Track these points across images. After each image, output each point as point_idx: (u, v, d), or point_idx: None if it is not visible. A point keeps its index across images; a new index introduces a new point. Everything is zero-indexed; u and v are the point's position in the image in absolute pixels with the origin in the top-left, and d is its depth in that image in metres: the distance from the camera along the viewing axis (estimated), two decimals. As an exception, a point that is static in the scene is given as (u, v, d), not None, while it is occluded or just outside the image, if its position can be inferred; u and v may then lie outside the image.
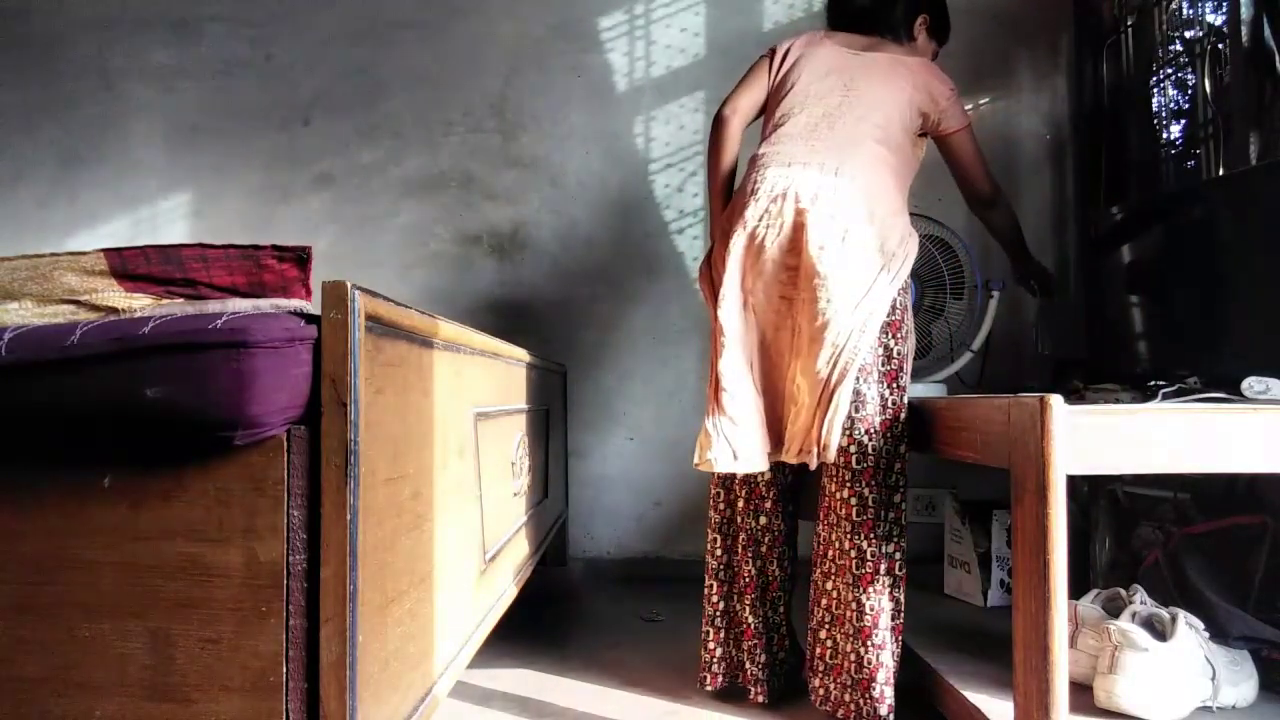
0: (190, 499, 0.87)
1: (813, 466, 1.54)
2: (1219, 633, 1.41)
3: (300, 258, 0.95)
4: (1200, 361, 1.49)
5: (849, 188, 1.58)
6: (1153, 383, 1.37)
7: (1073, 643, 1.34)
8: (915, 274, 2.17)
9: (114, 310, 0.96)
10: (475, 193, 2.85)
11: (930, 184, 2.74)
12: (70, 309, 0.97)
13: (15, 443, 0.89)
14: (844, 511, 1.53)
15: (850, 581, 1.51)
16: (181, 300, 0.97)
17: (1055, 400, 1.06)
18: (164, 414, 0.83)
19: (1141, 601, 1.37)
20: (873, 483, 1.52)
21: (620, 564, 2.75)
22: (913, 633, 1.66)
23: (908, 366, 1.62)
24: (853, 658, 1.50)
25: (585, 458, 2.77)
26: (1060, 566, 1.05)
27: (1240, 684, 1.32)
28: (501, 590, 1.56)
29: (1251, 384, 1.27)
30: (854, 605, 1.50)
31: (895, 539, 1.54)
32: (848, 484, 1.53)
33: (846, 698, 1.51)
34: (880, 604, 1.50)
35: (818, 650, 1.58)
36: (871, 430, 1.53)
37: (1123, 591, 1.41)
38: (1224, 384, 1.28)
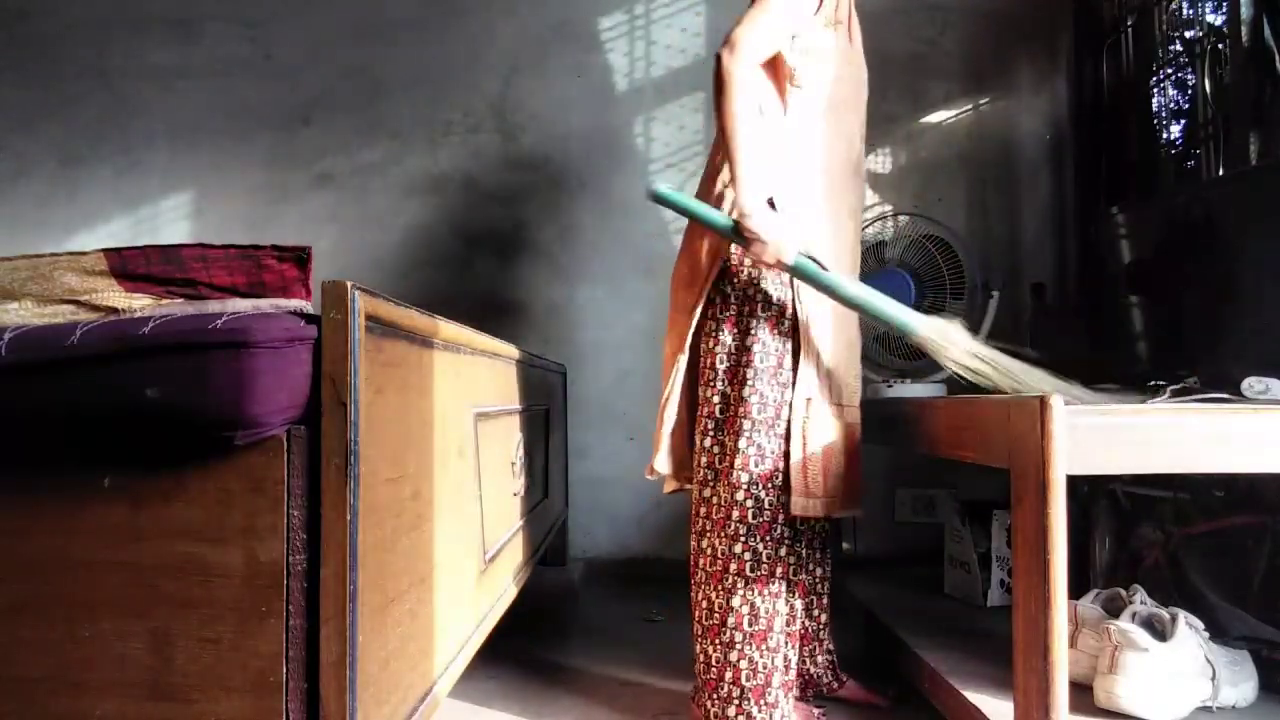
0: (190, 499, 0.87)
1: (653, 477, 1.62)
2: (1219, 633, 1.41)
3: (300, 258, 0.95)
4: (1200, 361, 1.49)
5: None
6: (1153, 383, 1.37)
7: (1073, 643, 1.34)
8: (915, 274, 2.17)
9: (114, 310, 0.96)
10: (475, 193, 2.85)
11: (930, 184, 2.76)
12: (70, 309, 0.97)
13: (15, 443, 0.89)
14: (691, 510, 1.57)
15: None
16: (181, 300, 0.97)
17: (1055, 400, 1.06)
18: (164, 414, 0.83)
19: (1141, 601, 1.37)
20: (698, 481, 1.54)
21: (620, 564, 2.76)
22: (913, 632, 1.67)
23: (747, 358, 1.48)
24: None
25: (585, 458, 2.77)
26: (1060, 566, 1.05)
27: (1240, 684, 1.32)
28: (501, 590, 1.56)
29: (1251, 384, 1.27)
30: (701, 602, 1.52)
31: (718, 536, 1.48)
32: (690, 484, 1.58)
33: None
34: (704, 596, 1.49)
35: None
36: (702, 432, 1.53)
37: (1123, 591, 1.41)
38: (1224, 384, 1.28)
